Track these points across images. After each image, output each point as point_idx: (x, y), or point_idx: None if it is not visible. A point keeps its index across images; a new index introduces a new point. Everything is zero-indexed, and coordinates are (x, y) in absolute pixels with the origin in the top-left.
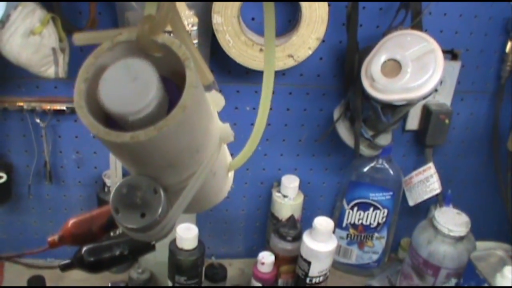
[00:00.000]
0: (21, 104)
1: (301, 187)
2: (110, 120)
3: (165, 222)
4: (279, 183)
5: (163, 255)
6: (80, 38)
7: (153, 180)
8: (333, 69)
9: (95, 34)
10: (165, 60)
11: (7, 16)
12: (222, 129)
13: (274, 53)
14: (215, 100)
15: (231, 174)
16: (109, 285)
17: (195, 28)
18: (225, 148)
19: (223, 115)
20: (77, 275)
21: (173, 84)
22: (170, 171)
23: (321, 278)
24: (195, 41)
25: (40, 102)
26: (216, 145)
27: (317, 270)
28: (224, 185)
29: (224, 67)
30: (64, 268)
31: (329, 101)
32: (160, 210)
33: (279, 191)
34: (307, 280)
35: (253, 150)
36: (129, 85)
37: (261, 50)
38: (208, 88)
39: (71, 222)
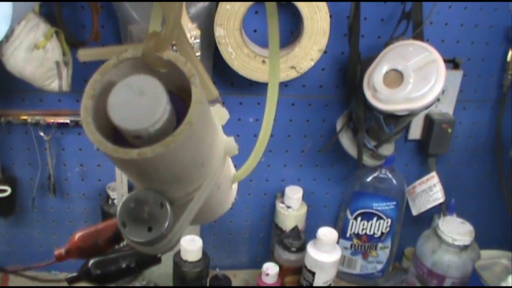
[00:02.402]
0: (25, 117)
1: (305, 197)
2: (116, 135)
3: (172, 235)
4: (282, 194)
5: (167, 267)
6: (85, 54)
7: (160, 194)
8: (335, 80)
9: (99, 51)
10: (170, 75)
11: (11, 30)
12: (226, 143)
13: (278, 64)
14: (220, 114)
15: (235, 186)
16: None
17: (197, 40)
18: (229, 161)
19: (227, 127)
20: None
21: (178, 99)
22: (176, 185)
23: None
24: (198, 53)
25: (44, 116)
26: (221, 158)
27: (321, 280)
28: (228, 197)
29: (227, 79)
30: (71, 281)
31: (332, 111)
32: (166, 224)
33: (282, 202)
34: None
35: (257, 162)
36: (138, 101)
37: (263, 61)
38: (212, 102)
39: (77, 235)
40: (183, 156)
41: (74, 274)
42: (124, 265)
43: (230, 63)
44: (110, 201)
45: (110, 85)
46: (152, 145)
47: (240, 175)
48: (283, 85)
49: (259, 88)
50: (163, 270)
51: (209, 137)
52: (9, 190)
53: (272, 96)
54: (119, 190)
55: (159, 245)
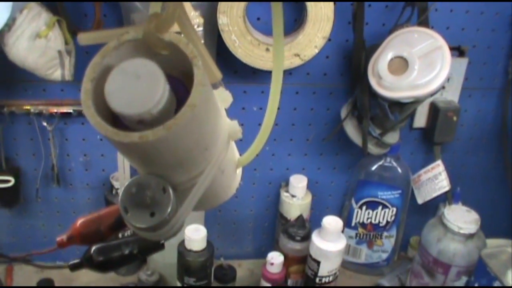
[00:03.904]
0: (28, 107)
1: (309, 186)
2: (117, 119)
3: (175, 220)
4: (287, 183)
5: (172, 256)
6: (85, 37)
7: (162, 179)
8: (340, 67)
9: (100, 34)
10: (172, 58)
11: (13, 19)
12: (230, 126)
13: (283, 47)
14: (223, 97)
15: (239, 171)
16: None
17: (200, 28)
18: (233, 145)
19: (230, 116)
20: (86, 278)
21: (180, 83)
22: (179, 170)
23: (330, 278)
24: (201, 41)
25: (47, 105)
26: (224, 142)
27: (326, 269)
28: (232, 182)
29: (231, 68)
30: (74, 267)
31: (336, 100)
32: (169, 209)
33: (287, 191)
34: (317, 280)
35: (261, 147)
36: (135, 85)
37: (267, 49)
38: (215, 85)
39: (79, 222)
40: (186, 139)
41: (77, 260)
42: (126, 252)
43: (234, 51)
44: (114, 191)
45: (111, 68)
46: (154, 128)
47: (244, 160)
48: (287, 73)
49: (263, 76)
50: (167, 260)
51: (212, 120)
52: (12, 180)
53: (276, 79)
54: (121, 178)
55: (162, 231)
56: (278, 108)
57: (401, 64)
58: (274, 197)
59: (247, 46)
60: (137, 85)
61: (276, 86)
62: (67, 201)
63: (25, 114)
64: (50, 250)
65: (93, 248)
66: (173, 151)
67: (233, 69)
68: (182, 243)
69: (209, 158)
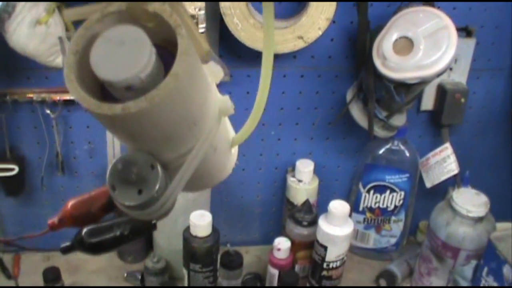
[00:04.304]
0: (31, 95)
1: (316, 171)
2: (107, 95)
3: (164, 199)
4: (293, 168)
5: (178, 243)
6: (70, 13)
7: (150, 155)
8: (345, 50)
9: (85, 8)
10: (159, 31)
11: (13, 6)
12: (221, 102)
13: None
14: (213, 72)
15: (234, 150)
16: (125, 275)
17: (202, 12)
18: (226, 122)
19: (235, 100)
20: (92, 266)
21: (169, 54)
22: (167, 146)
23: (338, 263)
24: (203, 25)
25: (49, 93)
26: (215, 118)
27: (334, 254)
28: (227, 161)
29: (234, 52)
30: (65, 250)
31: (342, 83)
32: (157, 186)
33: (293, 176)
34: (324, 265)
35: (255, 125)
36: (120, 51)
37: None
38: (205, 59)
39: (70, 203)
40: (171, 112)
41: (68, 243)
42: (118, 233)
43: (236, 35)
44: None
45: (95, 41)
46: (136, 100)
47: (238, 138)
48: (292, 57)
49: None
50: (173, 247)
51: (200, 94)
52: (16, 169)
53: (268, 53)
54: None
55: (151, 209)
56: (283, 92)
57: (406, 45)
58: (281, 183)
59: (249, 29)
60: (123, 51)
61: (268, 61)
62: (72, 189)
63: (28, 102)
64: (42, 233)
65: (84, 230)
66: (158, 124)
67: (236, 53)
68: (187, 229)
69: (198, 134)
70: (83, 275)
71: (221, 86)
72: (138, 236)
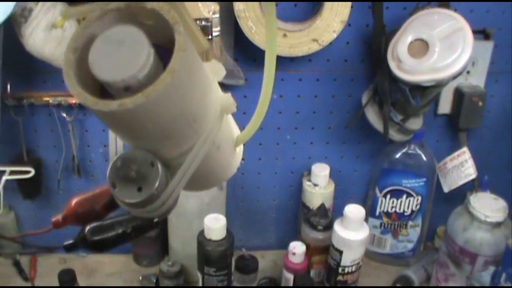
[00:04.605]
0: (47, 99)
1: (332, 175)
2: (108, 96)
3: (165, 196)
4: (309, 172)
5: (193, 247)
6: (71, 13)
7: (150, 153)
8: (360, 53)
9: (86, 7)
10: (159, 28)
11: (29, 10)
12: (223, 99)
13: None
14: (215, 70)
15: (239, 149)
16: (140, 278)
17: (216, 15)
18: (229, 120)
19: (250, 104)
20: (108, 269)
21: (168, 53)
22: (168, 143)
23: (353, 268)
24: (217, 28)
25: (65, 97)
26: (216, 116)
27: (349, 259)
28: (232, 160)
29: (249, 55)
30: (68, 248)
31: (358, 86)
32: (157, 183)
33: (309, 180)
34: (339, 270)
35: (260, 122)
36: (119, 51)
37: (284, 35)
38: (206, 57)
39: (74, 201)
40: (169, 108)
41: (71, 241)
42: (120, 231)
43: (251, 38)
44: None
45: (95, 39)
46: (132, 96)
47: (243, 137)
48: (307, 60)
49: (282, 63)
50: (188, 250)
51: (199, 91)
52: (33, 171)
53: (271, 48)
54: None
55: (152, 207)
56: (299, 96)
57: (421, 47)
58: (297, 187)
59: (264, 32)
60: (121, 51)
61: (271, 60)
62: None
63: (45, 105)
64: (45, 230)
65: (87, 228)
66: (156, 121)
67: (252, 57)
68: (201, 233)
69: (199, 131)
70: (99, 278)
71: (237, 90)
72: (141, 234)
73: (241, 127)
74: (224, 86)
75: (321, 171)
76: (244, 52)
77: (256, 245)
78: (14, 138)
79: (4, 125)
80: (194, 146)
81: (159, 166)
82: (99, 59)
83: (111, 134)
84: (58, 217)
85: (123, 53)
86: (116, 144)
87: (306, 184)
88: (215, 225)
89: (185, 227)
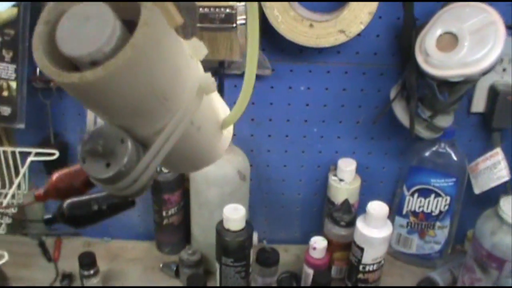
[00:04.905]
0: None
1: (359, 171)
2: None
3: (135, 174)
4: (336, 167)
5: (213, 237)
6: None
7: (123, 130)
8: (391, 47)
9: None
10: (131, 5)
11: None
12: (201, 78)
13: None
14: (195, 48)
15: (227, 132)
16: (161, 266)
17: (242, 4)
18: (214, 101)
19: (277, 95)
20: (130, 255)
21: None
22: (139, 120)
23: (375, 266)
24: (242, 16)
25: None
26: (193, 94)
27: (370, 257)
28: (217, 142)
29: (277, 46)
30: (47, 222)
31: (387, 81)
32: (125, 159)
33: (335, 175)
34: (360, 268)
35: (246, 104)
36: (85, 27)
37: (311, 25)
38: (182, 34)
39: (55, 176)
40: (134, 83)
41: (50, 215)
42: (96, 208)
43: (276, 27)
44: (158, 169)
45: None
46: (93, 69)
47: (229, 120)
48: (335, 52)
49: (310, 55)
50: (209, 240)
51: (170, 67)
52: (57, 153)
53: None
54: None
55: (122, 184)
56: (326, 88)
57: (450, 41)
58: (323, 181)
59: (290, 22)
60: (87, 27)
61: (253, 28)
62: None
63: None
64: (28, 203)
65: (65, 203)
66: (121, 96)
67: (279, 47)
68: (220, 222)
69: (173, 110)
70: (120, 263)
71: (263, 80)
72: (116, 212)
73: (267, 118)
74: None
75: (347, 166)
76: (272, 42)
77: (280, 239)
78: (42, 121)
79: (32, 108)
80: (167, 125)
81: (129, 143)
82: (65, 35)
83: (89, 112)
84: (40, 191)
85: (89, 28)
86: (94, 122)
87: (332, 178)
88: (234, 215)
89: (206, 216)
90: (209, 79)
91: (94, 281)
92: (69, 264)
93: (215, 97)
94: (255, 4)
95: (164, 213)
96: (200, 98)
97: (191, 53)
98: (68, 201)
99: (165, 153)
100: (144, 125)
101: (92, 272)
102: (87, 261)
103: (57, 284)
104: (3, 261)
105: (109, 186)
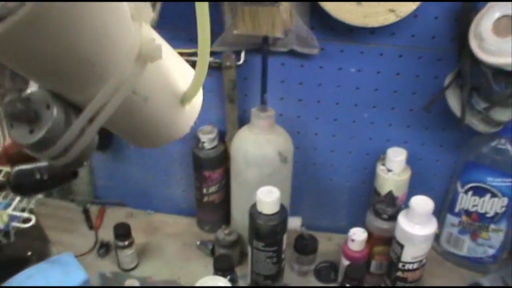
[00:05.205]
0: None
1: (411, 162)
2: None
3: (63, 142)
4: (385, 156)
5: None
6: None
7: (50, 95)
8: (450, 31)
9: None
10: None
11: None
12: (143, 44)
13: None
14: (138, 9)
15: (191, 108)
16: (198, 243)
17: None
18: (168, 72)
19: (326, 76)
20: (170, 230)
21: None
22: (67, 85)
23: (415, 265)
24: None
25: None
26: (131, 61)
27: (410, 255)
28: (175, 117)
29: (327, 24)
30: None
31: (445, 67)
32: (48, 126)
33: (383, 164)
34: (400, 265)
35: (203, 74)
36: None
37: (358, 3)
38: None
39: (7, 142)
40: (42, 40)
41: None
42: (38, 177)
43: (323, 4)
44: (200, 145)
45: None
46: None
47: (189, 93)
48: (389, 34)
49: (361, 35)
50: (247, 221)
51: (92, 27)
52: None
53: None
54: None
55: (51, 152)
56: (378, 72)
57: (508, 25)
58: (371, 170)
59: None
60: None
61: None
62: (158, 152)
63: None
64: None
65: (13, 170)
66: (34, 54)
67: (329, 25)
68: (254, 205)
69: (104, 76)
70: (159, 237)
71: (311, 60)
72: (58, 183)
73: (316, 100)
74: (297, 54)
75: (396, 156)
76: (321, 20)
77: (325, 226)
78: None
79: None
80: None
81: (56, 108)
82: None
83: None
84: None
85: None
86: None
87: (380, 168)
88: (267, 198)
89: (245, 197)
90: (152, 45)
91: (128, 252)
92: (108, 233)
93: (174, 67)
94: None
95: (204, 190)
96: (142, 66)
97: (134, 14)
98: (16, 168)
99: (102, 122)
100: (73, 90)
101: (126, 243)
102: (122, 231)
103: (95, 252)
104: (30, 224)
105: (39, 153)
